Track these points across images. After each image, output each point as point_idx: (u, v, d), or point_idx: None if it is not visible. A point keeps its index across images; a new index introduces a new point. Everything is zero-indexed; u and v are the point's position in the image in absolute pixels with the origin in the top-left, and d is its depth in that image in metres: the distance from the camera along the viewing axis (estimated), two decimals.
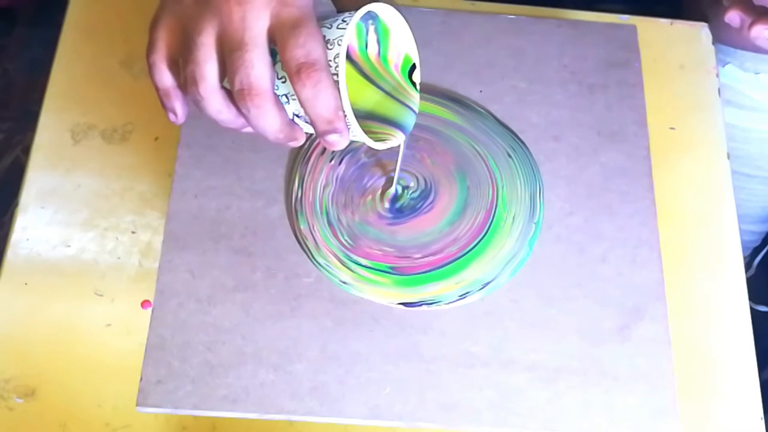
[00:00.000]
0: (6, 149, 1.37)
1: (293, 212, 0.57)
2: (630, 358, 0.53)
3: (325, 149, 0.59)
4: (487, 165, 0.60)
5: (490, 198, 0.58)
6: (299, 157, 0.59)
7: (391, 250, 0.56)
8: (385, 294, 0.54)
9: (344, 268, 0.55)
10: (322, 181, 0.58)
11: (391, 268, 0.55)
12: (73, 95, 0.66)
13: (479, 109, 0.62)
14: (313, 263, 0.55)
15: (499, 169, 0.59)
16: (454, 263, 0.56)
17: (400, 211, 0.58)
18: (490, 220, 0.57)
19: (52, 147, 0.64)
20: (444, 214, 0.58)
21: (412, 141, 0.60)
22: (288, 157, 0.59)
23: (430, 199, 0.58)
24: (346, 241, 0.56)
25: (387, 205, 0.58)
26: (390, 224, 0.57)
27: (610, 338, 0.54)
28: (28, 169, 0.63)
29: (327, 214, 0.57)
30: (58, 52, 0.67)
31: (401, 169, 0.58)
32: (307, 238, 0.56)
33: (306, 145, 0.59)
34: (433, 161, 0.60)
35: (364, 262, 0.56)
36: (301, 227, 0.56)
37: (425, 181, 0.59)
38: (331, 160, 0.59)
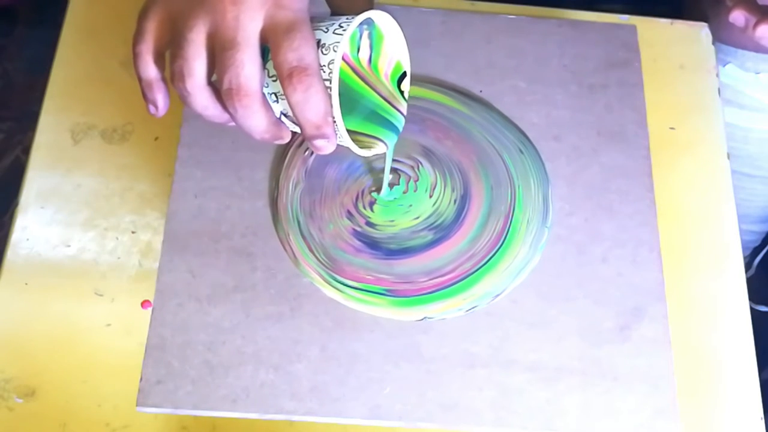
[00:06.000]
0: (6, 149, 1.37)
1: (273, 216, 0.56)
2: (630, 358, 0.53)
3: (303, 141, 0.58)
4: (503, 160, 0.58)
5: (509, 200, 0.56)
6: (280, 151, 0.58)
7: (388, 277, 0.54)
8: (381, 312, 0.53)
9: (329, 287, 0.53)
10: (294, 178, 0.57)
11: (387, 290, 0.53)
12: (73, 95, 0.66)
13: (485, 103, 0.61)
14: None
15: (514, 165, 0.58)
16: (465, 280, 0.54)
17: (405, 251, 0.54)
18: (508, 227, 0.55)
19: (52, 147, 0.64)
20: (469, 230, 0.55)
21: (417, 120, 0.58)
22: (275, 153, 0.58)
23: (463, 214, 0.55)
24: (323, 260, 0.54)
25: (357, 243, 0.54)
26: (382, 259, 0.54)
27: (610, 338, 0.54)
28: (28, 169, 0.63)
29: (298, 222, 0.55)
30: (58, 52, 0.67)
31: (395, 162, 0.57)
32: (286, 249, 0.54)
33: None
34: (452, 144, 0.57)
35: (351, 283, 0.53)
36: (280, 235, 0.55)
37: (459, 175, 0.56)
38: (305, 152, 0.58)
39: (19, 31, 1.47)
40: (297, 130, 0.46)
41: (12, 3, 1.49)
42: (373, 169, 0.58)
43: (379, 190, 0.57)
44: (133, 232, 0.61)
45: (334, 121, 0.43)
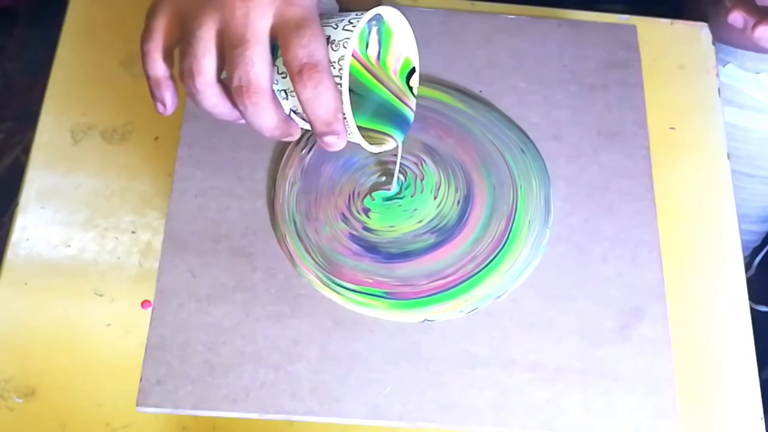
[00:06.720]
0: (6, 149, 1.37)
1: (271, 216, 0.56)
2: (630, 358, 0.53)
3: (301, 140, 0.58)
4: (505, 160, 0.57)
5: (511, 201, 0.56)
6: (278, 151, 0.58)
7: (388, 280, 0.53)
8: (381, 315, 0.53)
9: (327, 289, 0.53)
10: (291, 178, 0.56)
11: (387, 293, 0.53)
12: (73, 95, 0.66)
13: (486, 102, 0.61)
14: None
15: (516, 165, 0.58)
16: (466, 282, 0.53)
17: (406, 255, 0.54)
18: (510, 228, 0.55)
19: (52, 147, 0.64)
20: (472, 232, 0.55)
21: (419, 118, 0.57)
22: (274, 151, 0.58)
23: (466, 216, 0.55)
24: (321, 262, 0.54)
25: (355, 247, 0.54)
26: (382, 263, 0.54)
27: (610, 338, 0.54)
28: (28, 169, 0.63)
29: (294, 223, 0.55)
30: (58, 52, 0.67)
31: (403, 157, 0.56)
32: (283, 250, 0.54)
33: None
34: (455, 142, 0.57)
35: (350, 286, 0.53)
36: (277, 236, 0.55)
37: (462, 174, 0.56)
38: (302, 150, 0.57)
39: (19, 31, 1.47)
40: (307, 127, 0.46)
41: (12, 3, 1.49)
42: (368, 166, 0.58)
43: (378, 189, 0.57)
44: (133, 232, 0.61)
45: (345, 118, 0.43)
